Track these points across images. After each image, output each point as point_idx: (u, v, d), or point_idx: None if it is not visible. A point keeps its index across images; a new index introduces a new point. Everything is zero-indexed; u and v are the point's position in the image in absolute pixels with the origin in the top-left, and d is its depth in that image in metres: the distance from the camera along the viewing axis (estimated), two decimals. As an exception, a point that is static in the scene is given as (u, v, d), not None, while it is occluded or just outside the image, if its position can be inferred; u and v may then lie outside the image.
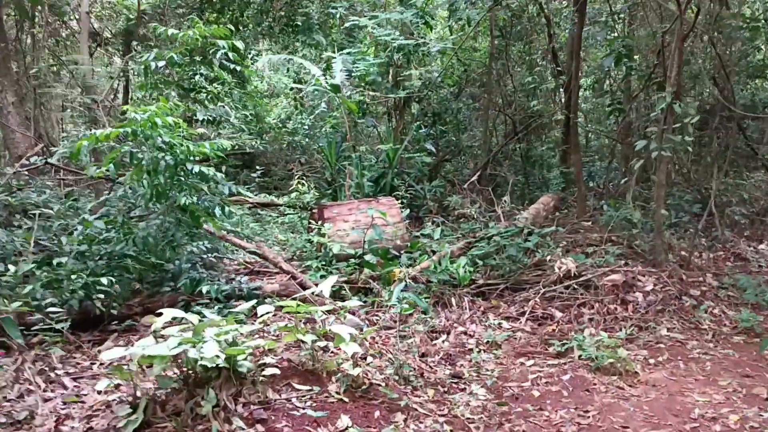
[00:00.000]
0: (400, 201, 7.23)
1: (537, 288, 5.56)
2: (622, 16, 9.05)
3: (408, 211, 7.08)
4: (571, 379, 4.13)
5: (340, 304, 4.35)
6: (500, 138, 10.30)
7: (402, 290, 4.40)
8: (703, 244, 7.07)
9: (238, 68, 7.56)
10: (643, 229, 6.77)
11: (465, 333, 4.85)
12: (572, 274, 5.59)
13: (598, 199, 8.75)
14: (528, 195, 9.19)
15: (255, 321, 3.80)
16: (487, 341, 4.66)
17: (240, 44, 6.56)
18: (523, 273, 5.81)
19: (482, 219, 7.12)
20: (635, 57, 8.44)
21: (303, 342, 3.63)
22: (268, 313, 3.68)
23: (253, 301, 4.01)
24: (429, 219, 7.53)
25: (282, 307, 3.82)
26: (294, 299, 4.16)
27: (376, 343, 4.42)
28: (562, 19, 10.20)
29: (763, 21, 8.03)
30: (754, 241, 8.07)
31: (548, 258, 5.86)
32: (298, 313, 3.64)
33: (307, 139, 11.62)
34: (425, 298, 5.23)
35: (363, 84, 8.50)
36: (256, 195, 9.21)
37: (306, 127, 11.42)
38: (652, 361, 4.45)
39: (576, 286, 5.47)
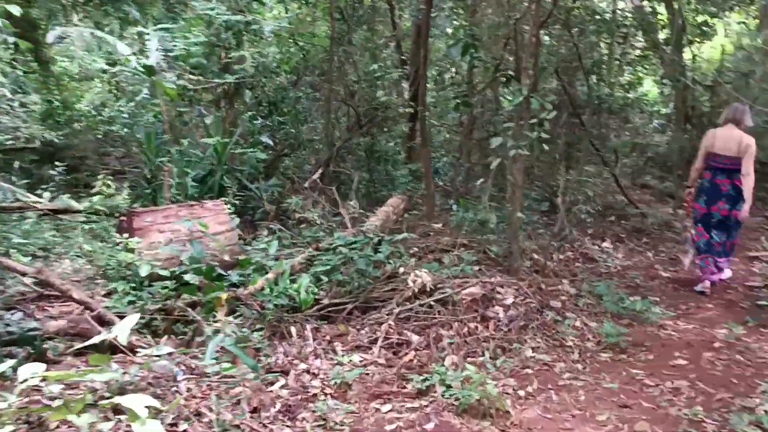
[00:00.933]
0: (230, 204, 6.19)
1: (390, 307, 4.83)
2: (468, 2, 8.61)
3: (238, 219, 6.05)
4: (436, 427, 3.42)
5: (144, 352, 3.32)
6: (343, 131, 9.53)
7: (221, 341, 3.43)
8: (553, 245, 6.77)
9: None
10: (495, 232, 6.32)
11: (308, 372, 3.98)
12: (428, 289, 4.94)
13: (445, 197, 8.26)
14: (374, 194, 8.51)
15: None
16: (335, 382, 3.84)
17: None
18: (374, 289, 5.06)
19: (327, 225, 6.29)
20: (481, 47, 8.03)
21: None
22: (31, 377, 2.60)
23: (10, 362, 2.86)
24: (265, 225, 6.56)
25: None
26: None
27: (194, 397, 3.44)
28: (407, 4, 9.63)
29: (610, 15, 7.95)
30: (597, 239, 8.01)
31: (401, 270, 5.17)
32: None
33: (126, 129, 10.06)
34: (259, 329, 4.30)
35: (185, 67, 7.30)
36: (56, 195, 7.65)
37: (125, 115, 9.88)
38: (522, 393, 3.88)
39: (433, 303, 4.82)
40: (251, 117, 7.94)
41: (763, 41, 13.02)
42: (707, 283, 6.27)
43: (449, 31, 10.88)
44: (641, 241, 8.28)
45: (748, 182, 6.04)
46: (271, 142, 8.37)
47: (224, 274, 4.92)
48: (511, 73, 7.39)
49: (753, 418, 3.41)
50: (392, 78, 9.09)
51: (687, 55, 11.56)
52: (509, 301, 5.02)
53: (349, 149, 9.11)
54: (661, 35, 10.86)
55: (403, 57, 10.11)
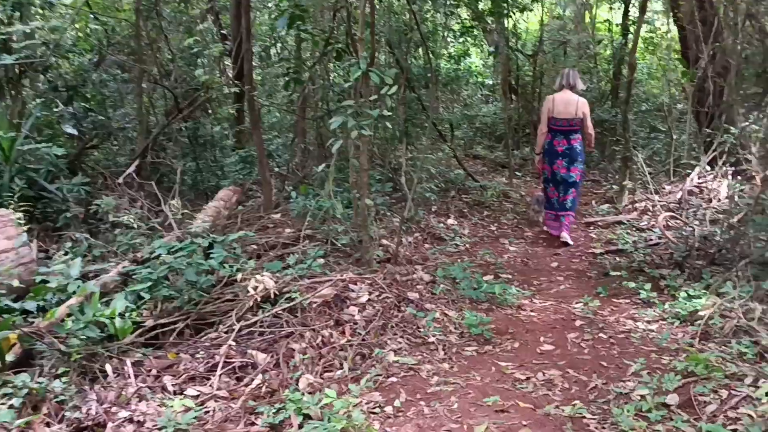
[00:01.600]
0: (23, 211, 5.09)
1: (229, 322, 4.13)
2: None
3: (29, 229, 4.99)
4: (296, 473, 2.85)
5: None
6: (161, 116, 8.47)
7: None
8: (402, 229, 6.40)
9: None
10: (342, 220, 5.80)
11: (131, 420, 3.20)
12: (272, 295, 4.31)
13: (283, 184, 7.60)
14: (202, 185, 7.63)
15: None
16: (166, 431, 3.11)
17: None
18: (209, 302, 4.33)
19: (147, 228, 5.39)
20: (309, 19, 7.39)
21: None
22: None
23: None
24: (69, 235, 5.50)
25: None
26: None
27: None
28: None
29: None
30: (442, 216, 7.79)
31: (239, 276, 4.47)
32: None
33: None
34: (63, 373, 3.42)
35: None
36: None
37: None
38: (389, 409, 3.40)
39: (279, 312, 4.20)
40: (44, 104, 6.70)
41: (574, 11, 13.69)
42: (565, 234, 6.83)
43: (271, 4, 10.13)
44: (483, 214, 8.21)
45: (591, 137, 6.96)
46: (76, 132, 7.18)
47: (11, 304, 3.92)
48: (341, 46, 6.88)
49: (632, 409, 3.20)
50: (212, 55, 8.17)
51: (510, 27, 11.75)
52: (364, 299, 4.53)
53: (170, 136, 8.09)
54: (482, 5, 10.87)
55: (223, 31, 9.19)
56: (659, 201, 7.67)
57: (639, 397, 3.36)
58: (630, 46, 11.36)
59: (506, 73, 13.19)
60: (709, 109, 8.64)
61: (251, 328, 4.08)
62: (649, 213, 7.77)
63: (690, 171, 8.37)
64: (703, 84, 8.64)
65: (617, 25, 11.79)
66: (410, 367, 3.89)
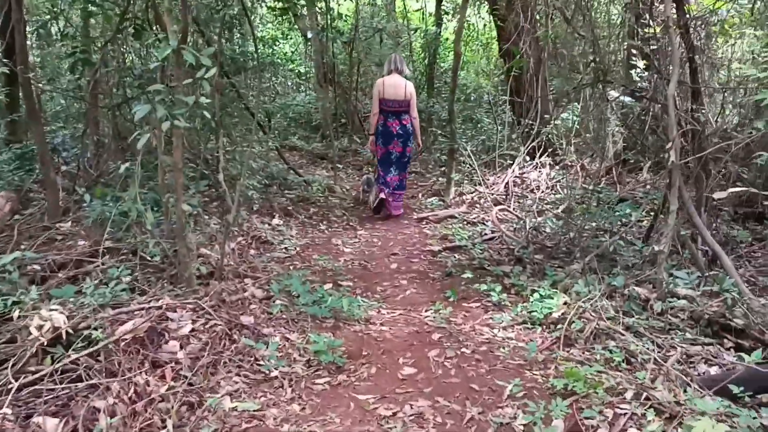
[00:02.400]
0: None
1: (4, 376, 3.07)
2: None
3: None
4: None
5: None
6: None
7: None
8: (227, 236, 5.57)
9: None
10: (152, 228, 4.82)
11: None
12: (64, 335, 3.32)
13: (72, 184, 6.32)
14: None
15: None
16: None
17: None
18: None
19: None
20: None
21: None
22: None
23: None
24: None
25: None
26: None
27: None
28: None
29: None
30: (266, 216, 7.04)
31: (16, 313, 3.40)
32: None
33: None
34: None
35: None
36: None
37: None
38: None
39: (76, 357, 3.22)
40: None
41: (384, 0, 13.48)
42: (380, 196, 7.24)
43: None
44: (310, 212, 7.59)
45: (416, 123, 7.31)
46: None
47: None
48: (139, 21, 5.84)
49: (520, 443, 2.78)
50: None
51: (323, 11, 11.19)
52: (187, 329, 3.69)
53: None
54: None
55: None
56: (488, 193, 7.59)
57: (522, 428, 2.95)
58: (447, 35, 11.38)
59: (321, 61, 12.65)
60: (525, 101, 8.80)
61: (36, 385, 3.06)
62: (478, 206, 7.67)
63: (511, 162, 8.44)
64: (520, 76, 8.77)
65: (430, 14, 11.73)
66: (252, 415, 3.15)
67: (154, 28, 5.97)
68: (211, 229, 5.83)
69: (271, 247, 6.07)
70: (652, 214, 5.85)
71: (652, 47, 6.23)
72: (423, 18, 11.56)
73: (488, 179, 8.45)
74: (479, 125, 9.99)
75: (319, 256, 5.85)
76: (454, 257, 5.91)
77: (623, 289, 4.34)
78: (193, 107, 3.96)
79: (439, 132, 10.89)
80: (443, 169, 10.21)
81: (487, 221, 6.92)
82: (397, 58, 7.30)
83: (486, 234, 6.44)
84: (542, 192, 7.50)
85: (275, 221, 6.93)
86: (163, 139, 4.25)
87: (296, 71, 15.20)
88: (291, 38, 14.08)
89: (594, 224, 5.92)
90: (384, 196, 7.20)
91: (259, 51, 8.44)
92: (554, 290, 4.57)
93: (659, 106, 6.98)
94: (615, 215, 6.04)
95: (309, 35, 10.25)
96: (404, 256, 6.05)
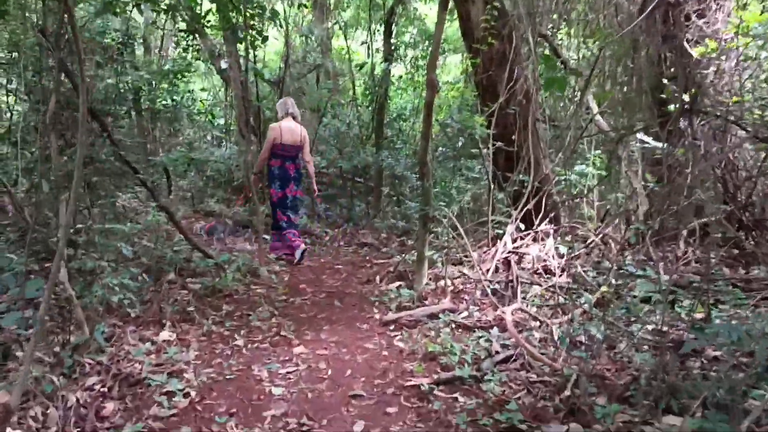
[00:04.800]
0: None
1: None
2: None
3: None
4: None
5: None
6: None
7: None
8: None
9: None
10: None
11: None
12: None
13: None
14: None
15: None
16: None
17: None
18: None
19: None
20: None
21: None
22: None
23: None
24: None
25: None
26: None
27: None
28: None
29: None
30: (150, 326, 4.53)
31: None
32: None
33: None
34: None
35: None
36: None
37: None
38: None
39: None
40: None
41: (318, 36, 11.36)
42: (302, 247, 7.02)
43: None
44: (221, 313, 5.14)
45: (311, 165, 7.38)
46: None
47: None
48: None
49: None
50: None
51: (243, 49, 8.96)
52: None
53: None
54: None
55: None
56: (485, 281, 5.32)
57: None
58: (393, 76, 9.33)
59: (243, 107, 10.34)
60: (512, 149, 6.71)
61: None
62: (466, 296, 5.38)
63: (500, 231, 6.25)
64: (505, 118, 6.69)
65: (377, 50, 9.64)
66: None
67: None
68: (36, 371, 3.31)
69: (148, 392, 3.56)
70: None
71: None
72: (369, 52, 9.40)
73: (468, 257, 6.21)
74: (458, 180, 7.69)
75: (224, 417, 3.36)
76: (458, 401, 3.55)
77: None
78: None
79: (393, 193, 8.70)
80: (402, 239, 7.94)
81: (488, 325, 4.63)
82: (291, 102, 7.38)
83: (496, 352, 4.13)
84: (559, 275, 5.29)
85: (164, 335, 4.43)
86: None
87: (214, 122, 12.78)
88: (206, 81, 11.71)
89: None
90: (304, 247, 7.07)
91: (146, 87, 6.04)
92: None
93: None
94: (705, 332, 3.77)
95: (223, 65, 7.93)
96: (373, 400, 3.64)
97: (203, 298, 5.42)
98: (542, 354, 3.89)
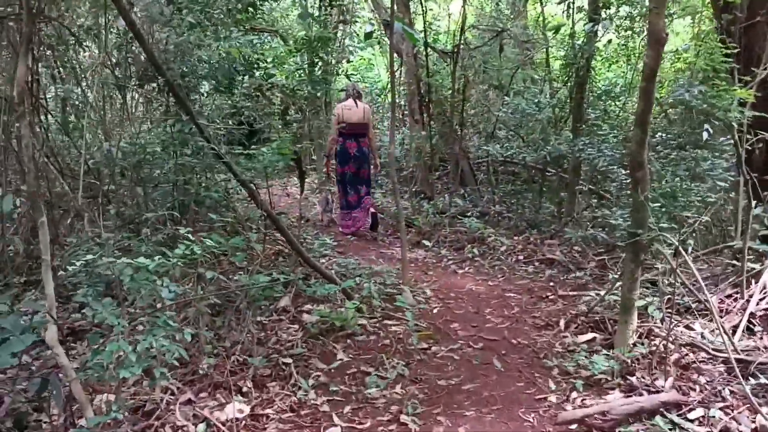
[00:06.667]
0: None
1: None
2: None
3: None
4: None
5: None
6: None
7: None
8: None
9: None
10: None
11: None
12: None
13: None
14: None
15: None
16: None
17: None
18: None
19: None
20: None
21: None
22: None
23: None
24: None
25: None
26: None
27: None
28: None
29: None
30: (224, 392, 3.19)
31: None
32: None
33: None
34: None
35: None
36: None
37: None
38: None
39: None
40: None
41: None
42: (357, 226, 7.27)
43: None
44: (330, 366, 3.70)
45: (374, 142, 7.56)
46: None
47: None
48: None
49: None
50: None
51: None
52: None
53: None
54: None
55: None
56: (730, 347, 3.29)
57: None
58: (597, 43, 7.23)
59: (416, 83, 8.89)
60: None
61: None
62: (701, 375, 3.38)
63: (753, 267, 4.08)
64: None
65: (579, 8, 7.53)
66: None
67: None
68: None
69: None
70: None
71: None
72: (569, 13, 7.29)
73: (703, 304, 4.09)
74: (684, 181, 5.18)
75: None
76: None
77: None
78: None
79: (593, 192, 6.70)
80: (602, 258, 5.92)
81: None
82: (355, 85, 7.50)
83: None
84: None
85: (231, 408, 3.09)
86: None
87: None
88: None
89: None
90: (368, 214, 7.27)
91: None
92: None
93: None
94: None
95: (369, 28, 6.48)
96: None
97: (316, 338, 4.04)
98: None
